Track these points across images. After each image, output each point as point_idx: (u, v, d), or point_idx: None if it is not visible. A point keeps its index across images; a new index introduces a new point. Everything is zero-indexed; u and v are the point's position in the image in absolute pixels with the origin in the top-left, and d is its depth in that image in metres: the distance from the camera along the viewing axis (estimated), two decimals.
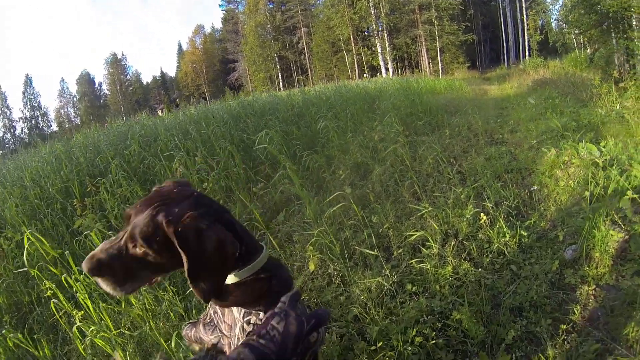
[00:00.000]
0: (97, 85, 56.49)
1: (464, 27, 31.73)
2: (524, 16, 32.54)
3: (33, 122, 48.93)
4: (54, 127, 49.30)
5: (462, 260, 2.51)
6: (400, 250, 2.70)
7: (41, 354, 2.52)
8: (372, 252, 2.58)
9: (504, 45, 36.71)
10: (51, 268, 2.78)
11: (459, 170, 4.26)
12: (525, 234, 2.80)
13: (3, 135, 45.49)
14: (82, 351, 2.37)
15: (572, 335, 2.02)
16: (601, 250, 2.54)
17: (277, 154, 4.27)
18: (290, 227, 3.44)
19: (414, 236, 2.73)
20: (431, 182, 3.95)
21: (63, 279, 2.59)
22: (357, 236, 3.03)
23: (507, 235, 2.77)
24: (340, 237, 3.01)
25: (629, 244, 2.59)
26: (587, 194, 3.17)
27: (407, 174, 4.07)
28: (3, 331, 2.50)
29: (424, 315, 2.08)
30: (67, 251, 2.58)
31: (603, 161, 3.66)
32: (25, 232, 2.71)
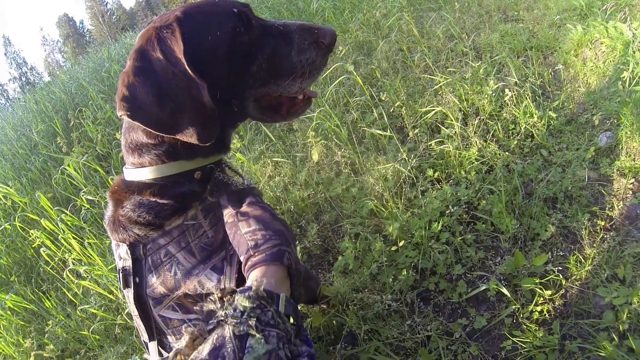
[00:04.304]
0: (79, 23, 50.89)
1: None
2: None
3: (23, 79, 44.06)
4: (46, 78, 44.16)
5: (488, 142, 1.96)
6: (417, 130, 2.10)
7: (49, 304, 2.18)
8: (385, 133, 1.97)
9: None
10: (30, 215, 2.45)
11: (473, 47, 3.46)
12: (554, 115, 2.22)
13: None
14: (79, 293, 2.08)
15: (611, 233, 1.59)
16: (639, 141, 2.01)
17: None
18: None
19: (432, 112, 2.11)
20: (443, 58, 3.18)
21: (43, 222, 2.13)
22: (365, 117, 2.40)
23: (535, 116, 2.19)
24: (347, 120, 2.39)
25: None
26: (626, 75, 2.52)
27: (415, 49, 3.27)
28: (10, 294, 2.21)
29: (450, 206, 1.60)
30: (38, 193, 2.21)
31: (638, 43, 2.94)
32: None
